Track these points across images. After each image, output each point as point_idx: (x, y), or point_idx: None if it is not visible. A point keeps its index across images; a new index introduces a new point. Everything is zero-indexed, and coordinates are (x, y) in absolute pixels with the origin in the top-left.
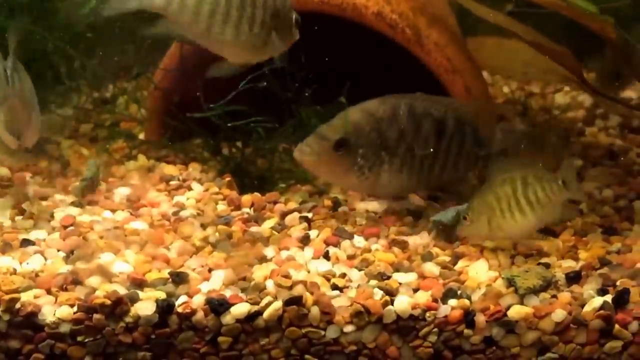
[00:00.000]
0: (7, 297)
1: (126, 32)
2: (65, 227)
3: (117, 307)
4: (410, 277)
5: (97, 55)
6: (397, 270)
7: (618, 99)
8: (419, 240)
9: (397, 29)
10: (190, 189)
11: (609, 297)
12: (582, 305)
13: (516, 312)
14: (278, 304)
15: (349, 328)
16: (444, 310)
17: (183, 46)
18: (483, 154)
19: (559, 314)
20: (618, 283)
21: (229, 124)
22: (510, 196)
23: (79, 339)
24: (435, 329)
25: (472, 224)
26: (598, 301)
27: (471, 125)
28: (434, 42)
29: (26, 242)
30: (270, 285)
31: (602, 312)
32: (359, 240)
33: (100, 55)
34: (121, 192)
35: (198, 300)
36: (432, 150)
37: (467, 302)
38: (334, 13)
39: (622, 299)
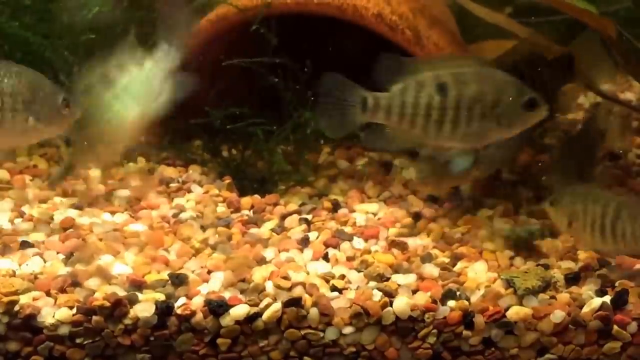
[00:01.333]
0: (6, 299)
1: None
2: (64, 229)
3: (117, 308)
4: (410, 279)
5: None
6: (396, 271)
7: (618, 100)
8: (418, 241)
9: (397, 30)
10: (190, 191)
11: (607, 298)
12: (581, 306)
13: (515, 313)
14: (277, 306)
15: (348, 329)
16: (443, 311)
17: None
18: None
19: (557, 315)
20: (617, 284)
21: (229, 126)
22: (597, 217)
23: (78, 341)
24: (434, 330)
25: (555, 214)
26: (597, 302)
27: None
28: (434, 43)
29: (25, 244)
30: (269, 286)
31: (600, 312)
32: (358, 242)
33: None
34: (121, 195)
35: (197, 302)
36: None
37: (466, 303)
38: (334, 15)
39: (620, 299)
